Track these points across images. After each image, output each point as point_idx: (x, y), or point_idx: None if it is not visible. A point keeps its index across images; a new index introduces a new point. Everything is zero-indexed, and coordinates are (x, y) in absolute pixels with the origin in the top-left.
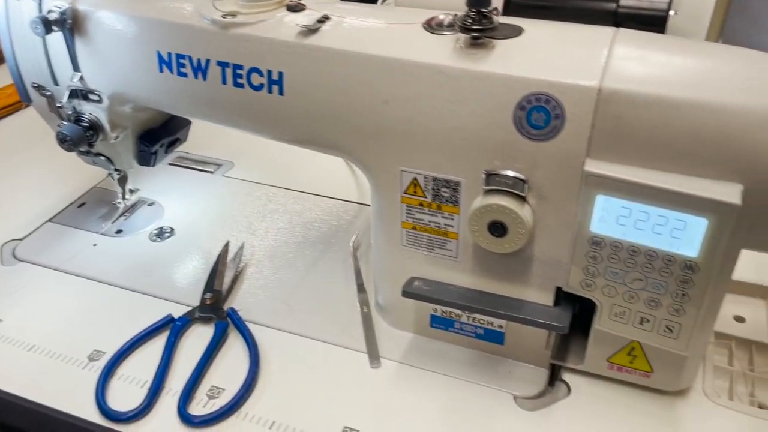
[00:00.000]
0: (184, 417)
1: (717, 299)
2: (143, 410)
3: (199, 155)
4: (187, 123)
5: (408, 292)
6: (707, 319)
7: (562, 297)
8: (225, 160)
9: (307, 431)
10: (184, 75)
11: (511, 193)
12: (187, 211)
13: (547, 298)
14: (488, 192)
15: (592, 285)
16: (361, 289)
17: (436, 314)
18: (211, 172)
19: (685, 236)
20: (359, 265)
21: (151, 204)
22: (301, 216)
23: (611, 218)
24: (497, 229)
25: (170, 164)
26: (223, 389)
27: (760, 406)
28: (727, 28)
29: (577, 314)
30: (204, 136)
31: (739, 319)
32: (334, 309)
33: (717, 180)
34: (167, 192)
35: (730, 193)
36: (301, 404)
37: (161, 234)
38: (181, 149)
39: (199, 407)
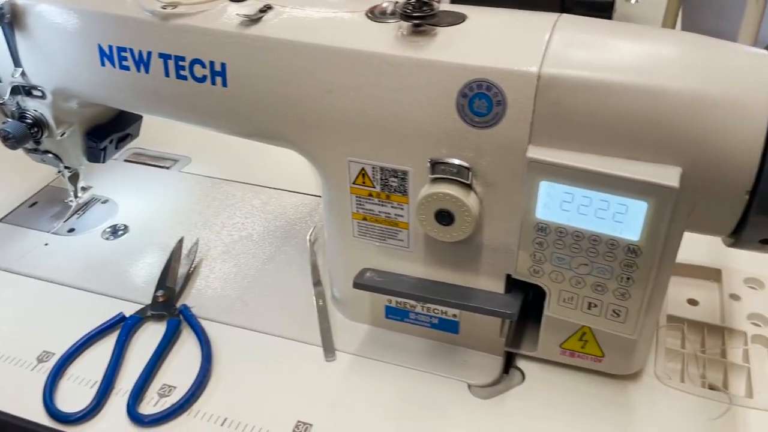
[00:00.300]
0: (134, 416)
1: (662, 282)
2: (92, 411)
3: (155, 151)
4: (138, 118)
5: (359, 284)
6: (653, 302)
7: (513, 284)
8: (182, 156)
9: (259, 427)
10: (127, 68)
11: (457, 181)
12: (142, 207)
13: (499, 286)
14: (434, 180)
15: (540, 271)
16: (317, 282)
17: (391, 305)
18: (168, 168)
19: (626, 220)
20: (316, 259)
21: (104, 201)
22: (258, 210)
23: (555, 204)
24: (444, 217)
25: (125, 161)
26: (175, 387)
27: (711, 387)
28: (690, 16)
29: (531, 301)
30: (160, 131)
31: (693, 302)
32: (289, 303)
33: (656, 163)
34: (122, 189)
35: (668, 176)
36: (254, 400)
37: (115, 232)
38: (137, 145)
39: (149, 406)
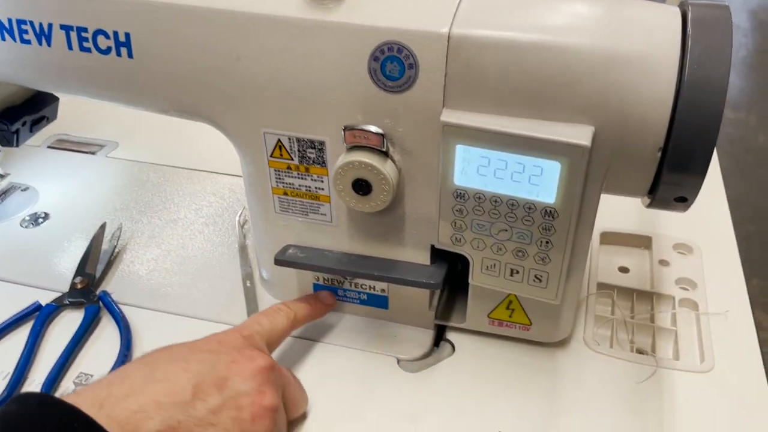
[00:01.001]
0: None
1: (581, 245)
2: (2, 402)
3: (81, 137)
4: (54, 99)
5: (281, 261)
6: (575, 266)
7: (438, 255)
8: (108, 141)
9: None
10: (28, 42)
11: (373, 149)
12: (65, 194)
13: (424, 257)
14: (350, 149)
15: (461, 240)
16: (245, 264)
17: (319, 283)
18: (93, 154)
19: (542, 182)
20: (245, 241)
21: (24, 189)
22: (187, 194)
23: (472, 169)
24: (361, 187)
25: (49, 147)
26: (92, 375)
27: (639, 352)
28: None
29: (460, 272)
30: (86, 117)
31: (624, 270)
32: (216, 286)
33: (569, 123)
34: (44, 176)
35: (580, 135)
36: None
37: (35, 219)
38: (61, 131)
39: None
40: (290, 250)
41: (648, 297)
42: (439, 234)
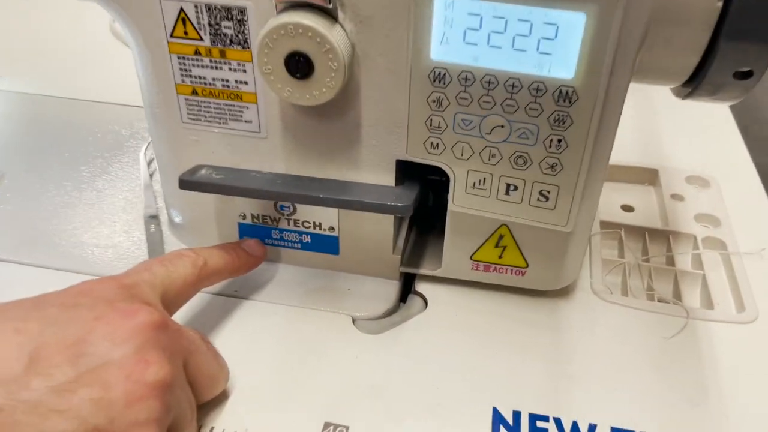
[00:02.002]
0: None
1: (603, 149)
2: None
3: None
4: None
5: (188, 182)
6: (593, 179)
7: (405, 176)
8: None
9: None
10: None
11: (315, 6)
12: None
13: (388, 179)
14: (284, 9)
15: (439, 145)
16: (150, 205)
17: (246, 222)
18: None
19: (557, 49)
20: (150, 179)
21: None
22: (80, 128)
23: (456, 36)
24: (299, 65)
25: None
26: None
27: (660, 300)
28: None
29: (432, 208)
30: None
31: (627, 209)
32: (111, 233)
33: None
34: None
35: None
36: None
37: None
38: None
39: None
40: (203, 171)
41: (663, 236)
42: (409, 139)
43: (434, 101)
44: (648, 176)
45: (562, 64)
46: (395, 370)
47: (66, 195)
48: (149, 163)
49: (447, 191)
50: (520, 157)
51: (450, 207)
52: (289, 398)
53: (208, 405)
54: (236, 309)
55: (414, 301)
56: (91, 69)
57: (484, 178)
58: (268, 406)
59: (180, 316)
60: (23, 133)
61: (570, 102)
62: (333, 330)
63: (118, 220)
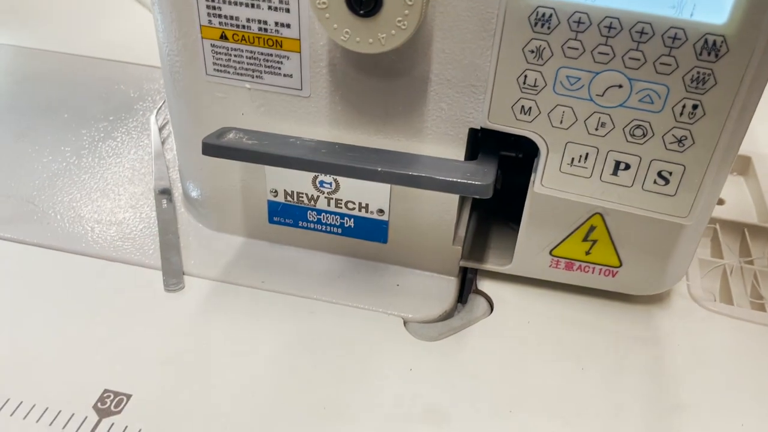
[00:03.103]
0: None
1: (746, 117)
2: None
3: None
4: None
5: (213, 146)
6: (728, 156)
7: (478, 150)
8: None
9: (38, 402)
10: None
11: None
12: None
13: (456, 152)
14: None
15: (533, 109)
16: (161, 177)
17: (277, 200)
18: None
19: None
20: (162, 146)
21: None
22: (83, 87)
23: None
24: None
25: None
26: None
27: None
28: None
29: (500, 192)
30: None
31: (718, 202)
32: (114, 207)
33: None
34: None
35: None
36: (38, 362)
37: None
38: None
39: None
40: (231, 134)
41: (763, 234)
42: (493, 102)
43: (532, 52)
44: (737, 165)
45: (712, 5)
46: (455, 388)
47: (64, 162)
48: (161, 129)
49: (523, 170)
50: (638, 127)
51: (535, 188)
52: (330, 416)
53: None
54: (262, 304)
55: (476, 303)
56: (96, 23)
57: (587, 154)
58: (303, 425)
59: (194, 312)
60: (16, 91)
61: (716, 56)
62: (381, 333)
63: (123, 193)
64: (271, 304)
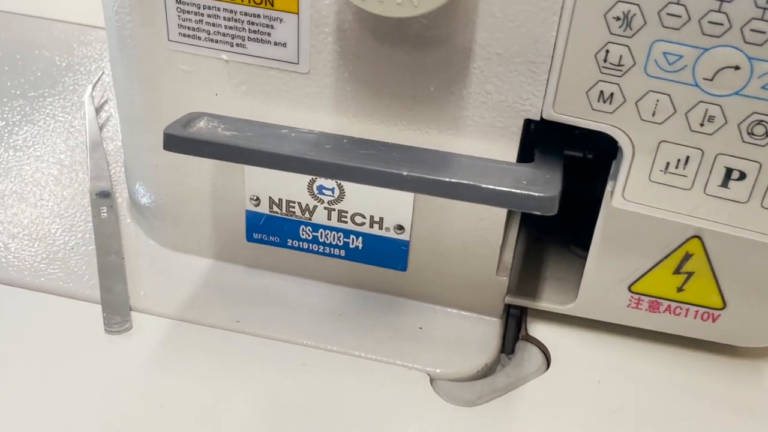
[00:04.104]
0: None
1: None
2: None
3: None
4: None
5: (178, 139)
6: None
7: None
8: None
9: None
10: None
11: None
12: None
13: (506, 151)
14: None
15: (615, 96)
16: (99, 176)
17: (258, 210)
18: None
19: None
20: (99, 134)
21: None
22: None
23: None
24: None
25: None
26: None
27: None
28: None
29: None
30: None
31: None
32: (36, 216)
33: None
34: None
35: None
36: None
37: None
38: None
39: None
40: (201, 123)
41: None
42: (560, 85)
43: (618, 19)
44: None
45: None
46: None
47: None
48: (99, 110)
49: (591, 174)
50: (759, 123)
51: (613, 202)
52: None
53: None
54: (237, 352)
55: (526, 354)
56: None
57: (687, 157)
58: None
59: (145, 361)
60: None
61: None
62: (399, 395)
63: (48, 197)
64: (249, 353)
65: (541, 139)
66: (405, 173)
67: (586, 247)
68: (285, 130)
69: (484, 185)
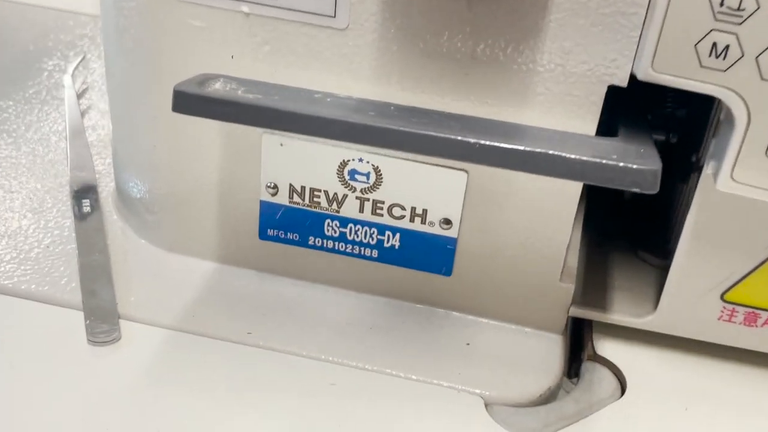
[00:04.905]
0: None
1: None
2: None
3: None
4: None
5: (193, 98)
6: None
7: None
8: None
9: None
10: None
11: None
12: None
13: (582, 125)
14: None
15: (731, 50)
16: (81, 164)
17: (274, 201)
18: None
19: None
20: (81, 121)
21: None
22: None
23: None
24: None
25: None
26: None
27: None
28: None
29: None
30: None
31: None
32: (5, 212)
33: None
34: None
35: None
36: None
37: None
38: None
39: None
40: (217, 84)
41: None
42: (663, 36)
43: None
44: None
45: None
46: None
47: None
48: (80, 95)
49: (676, 168)
50: None
51: (718, 185)
52: None
53: None
54: (249, 368)
55: (596, 377)
56: None
57: None
58: None
59: (136, 378)
60: None
61: None
62: (446, 421)
63: (19, 189)
64: (264, 370)
65: (613, 119)
66: (473, 141)
67: (656, 252)
68: (318, 95)
69: (573, 155)
